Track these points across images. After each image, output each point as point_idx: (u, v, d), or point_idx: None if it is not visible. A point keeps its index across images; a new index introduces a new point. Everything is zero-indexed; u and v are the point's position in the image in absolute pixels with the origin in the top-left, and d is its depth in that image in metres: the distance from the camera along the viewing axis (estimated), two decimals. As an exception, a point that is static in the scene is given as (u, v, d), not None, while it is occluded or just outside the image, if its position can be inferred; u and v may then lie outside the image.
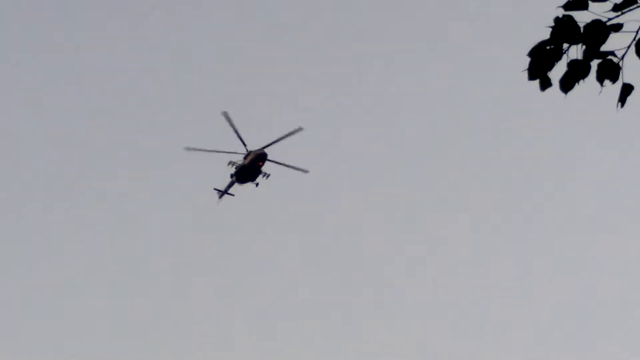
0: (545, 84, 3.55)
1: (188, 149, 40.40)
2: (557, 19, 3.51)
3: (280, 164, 40.52)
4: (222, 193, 41.79)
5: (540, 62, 3.53)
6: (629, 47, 3.50)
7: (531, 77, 3.55)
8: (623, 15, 3.52)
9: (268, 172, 40.33)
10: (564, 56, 3.55)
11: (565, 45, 3.53)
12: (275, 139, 39.97)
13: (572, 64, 3.52)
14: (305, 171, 40.87)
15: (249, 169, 39.53)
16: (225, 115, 39.56)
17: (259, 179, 40.46)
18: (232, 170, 40.36)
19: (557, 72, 3.56)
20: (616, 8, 3.51)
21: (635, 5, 3.49)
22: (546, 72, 3.54)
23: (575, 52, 3.54)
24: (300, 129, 39.32)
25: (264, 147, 40.08)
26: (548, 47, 3.53)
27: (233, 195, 41.66)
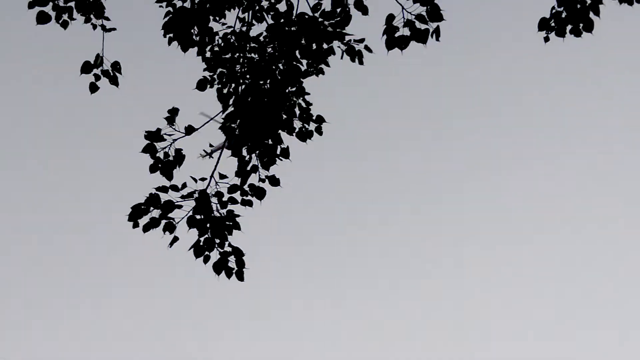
0: (147, 229, 6.64)
1: (202, 114, 48.97)
2: (150, 194, 6.67)
3: None
4: (207, 154, 52.65)
5: (135, 212, 6.62)
6: (182, 218, 6.74)
7: (131, 221, 6.64)
8: (184, 201, 6.78)
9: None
10: (150, 213, 6.67)
11: (151, 208, 6.67)
12: None
13: (152, 219, 6.66)
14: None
15: None
16: (203, 114, 48.59)
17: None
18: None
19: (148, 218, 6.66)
20: (183, 197, 6.76)
21: (191, 198, 6.78)
22: (140, 217, 6.64)
23: (156, 213, 6.69)
24: None
25: None
26: (142, 207, 6.64)
27: (212, 158, 52.92)
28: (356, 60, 6.66)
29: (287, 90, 6.75)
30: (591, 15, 6.50)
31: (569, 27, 6.66)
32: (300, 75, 6.66)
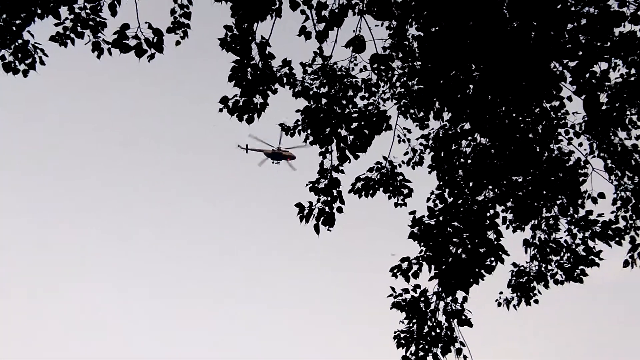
0: None
1: (251, 136, 71.29)
2: None
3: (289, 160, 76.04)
4: (246, 149, 72.33)
5: None
6: None
7: None
8: None
9: (283, 162, 74.67)
10: None
11: None
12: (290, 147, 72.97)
13: None
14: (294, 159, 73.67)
15: (282, 156, 73.92)
16: (240, 147, 72.08)
17: (277, 162, 74.33)
18: (272, 149, 72.71)
19: None
20: None
21: None
22: None
23: None
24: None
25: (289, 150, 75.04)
26: None
27: (247, 152, 73.00)
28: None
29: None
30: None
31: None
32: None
